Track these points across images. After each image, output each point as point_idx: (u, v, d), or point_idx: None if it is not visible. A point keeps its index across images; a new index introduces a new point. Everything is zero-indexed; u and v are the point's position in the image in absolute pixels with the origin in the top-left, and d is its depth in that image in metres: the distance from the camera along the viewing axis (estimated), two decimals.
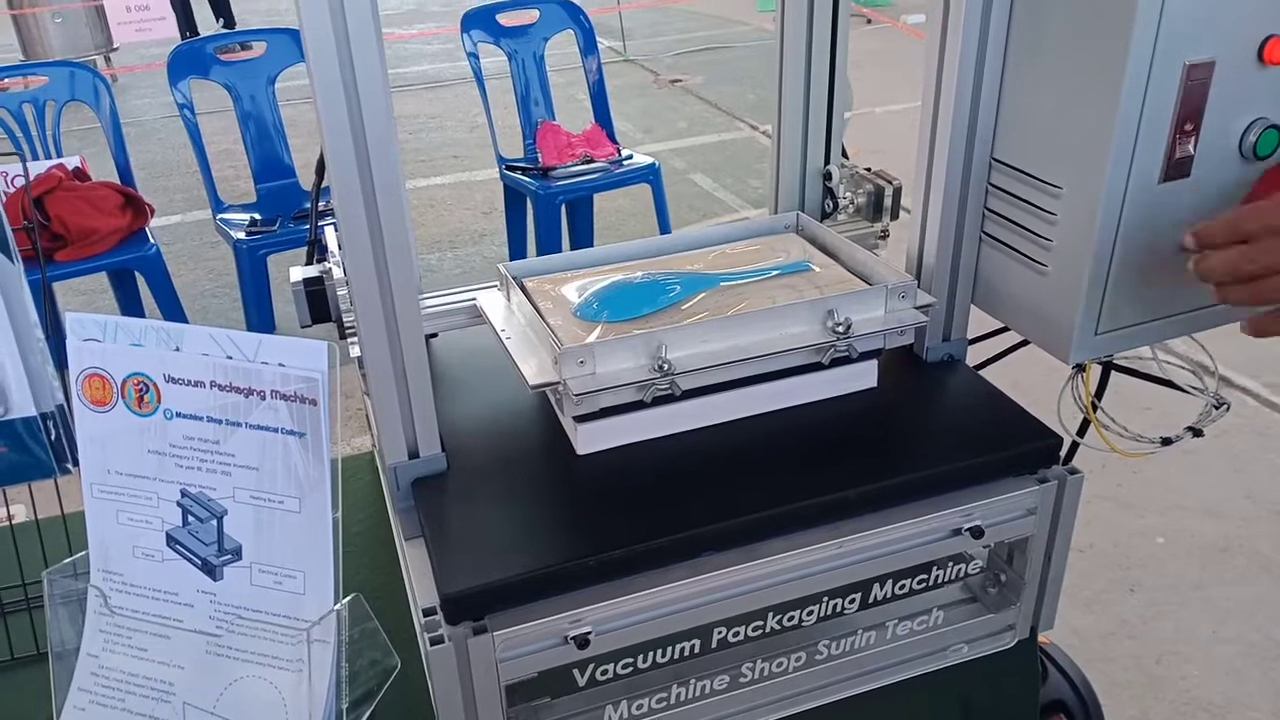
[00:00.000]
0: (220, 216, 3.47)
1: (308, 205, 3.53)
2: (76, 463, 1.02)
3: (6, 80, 3.52)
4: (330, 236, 1.13)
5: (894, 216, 1.28)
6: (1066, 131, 0.96)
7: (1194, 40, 0.91)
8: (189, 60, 3.49)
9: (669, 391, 0.96)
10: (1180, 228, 0.99)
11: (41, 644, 1.07)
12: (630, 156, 3.87)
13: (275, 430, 0.89)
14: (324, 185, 1.02)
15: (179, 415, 0.91)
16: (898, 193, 1.27)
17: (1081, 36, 0.93)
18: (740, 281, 1.11)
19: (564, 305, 1.07)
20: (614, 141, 3.94)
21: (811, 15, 1.23)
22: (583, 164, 3.76)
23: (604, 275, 1.13)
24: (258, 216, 3.42)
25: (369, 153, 0.83)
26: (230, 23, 8.13)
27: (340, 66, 0.80)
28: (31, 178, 3.06)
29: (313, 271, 1.07)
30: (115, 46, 7.46)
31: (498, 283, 1.13)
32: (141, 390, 0.92)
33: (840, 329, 1.00)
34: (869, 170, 1.30)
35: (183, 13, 7.49)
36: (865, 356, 1.05)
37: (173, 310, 3.19)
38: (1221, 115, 0.95)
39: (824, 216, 1.33)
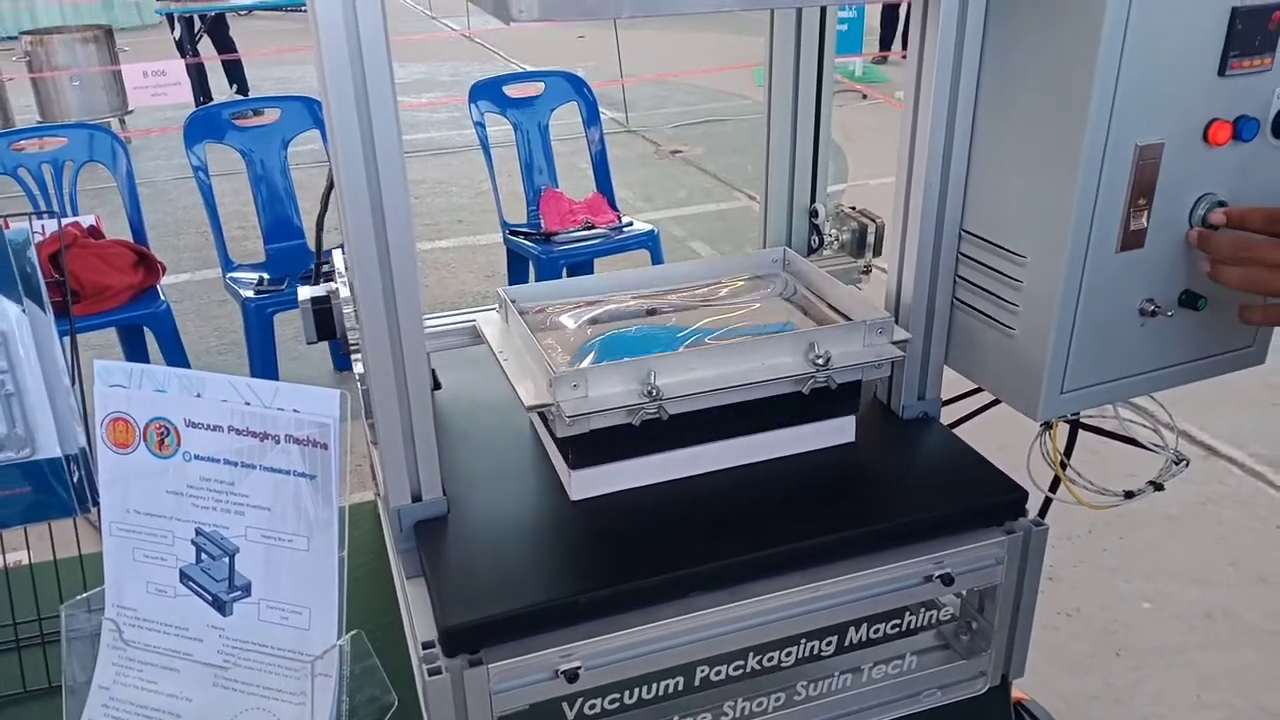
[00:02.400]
0: (230, 275, 3.56)
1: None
2: (96, 503, 1.08)
3: (23, 141, 3.64)
4: (337, 257, 1.19)
5: (876, 253, 1.35)
6: (1030, 205, 1.04)
7: (1144, 124, 0.99)
8: (205, 125, 3.61)
9: (657, 415, 1.00)
10: (1138, 294, 1.07)
11: (54, 677, 1.11)
12: (630, 223, 3.98)
13: (287, 472, 0.95)
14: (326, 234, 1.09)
15: (197, 458, 0.97)
16: (880, 230, 1.34)
17: (1042, 120, 1.01)
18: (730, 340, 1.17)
19: (560, 331, 1.13)
20: (615, 209, 4.05)
21: (798, 54, 1.31)
22: (584, 230, 3.87)
23: (598, 303, 1.20)
24: (266, 276, 3.51)
25: (385, 213, 0.90)
26: (244, 89, 8.33)
27: (360, 134, 0.87)
28: (47, 235, 3.14)
29: (319, 291, 1.12)
30: (130, 109, 7.64)
31: (496, 305, 1.20)
32: (163, 434, 0.98)
33: (820, 361, 1.05)
34: (853, 209, 1.37)
35: (197, 79, 7.70)
36: (844, 404, 1.11)
37: (180, 366, 3.26)
38: (1172, 191, 1.03)
39: (810, 252, 1.40)
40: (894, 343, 1.09)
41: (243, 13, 9.26)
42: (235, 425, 0.96)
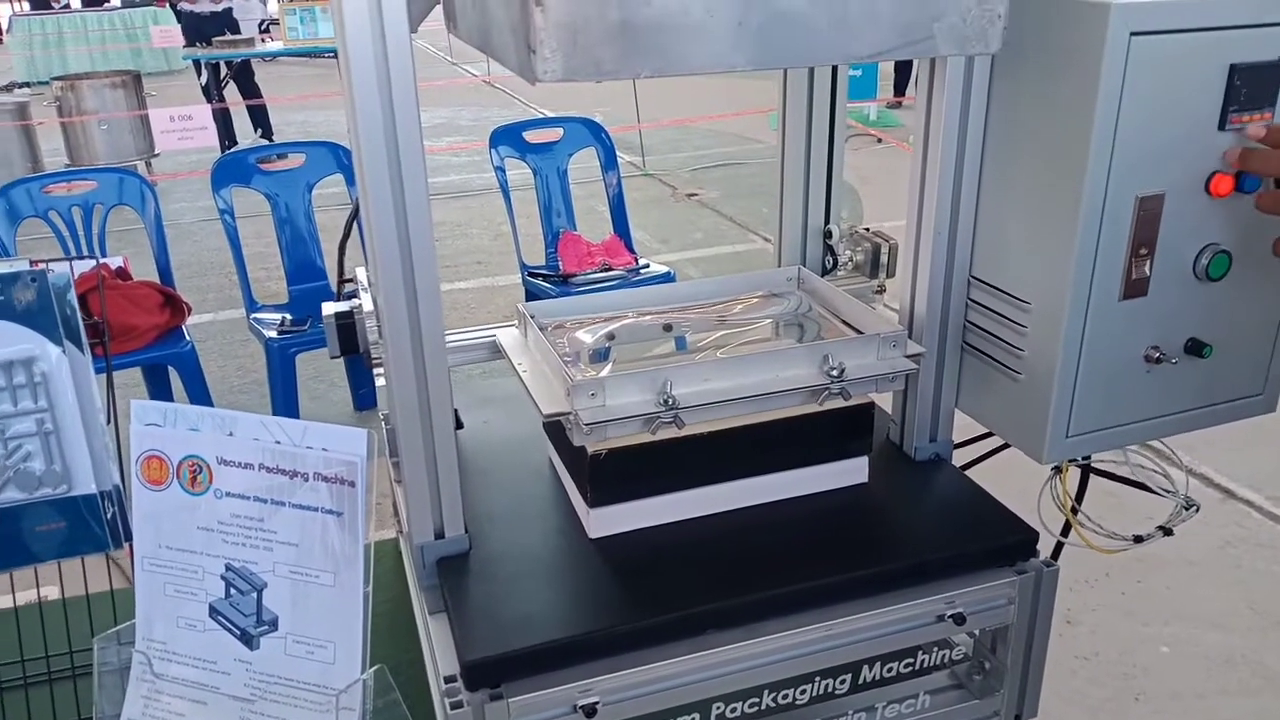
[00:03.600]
0: (254, 316, 3.62)
1: None
2: (129, 539, 1.11)
3: (53, 185, 3.73)
4: (360, 274, 1.22)
5: (890, 274, 1.37)
6: (1033, 253, 1.07)
7: (1145, 175, 1.02)
8: (232, 169, 3.69)
9: (673, 424, 1.01)
10: (1142, 341, 1.09)
11: (84, 710, 1.14)
12: (647, 265, 4.03)
13: (315, 509, 0.98)
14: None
15: (228, 495, 1.00)
16: (893, 251, 1.36)
17: (1044, 171, 1.05)
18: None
19: (577, 345, 1.16)
20: (631, 251, 4.10)
21: (811, 98, 1.35)
22: (601, 271, 3.92)
23: (616, 318, 1.24)
24: (289, 316, 3.57)
25: (411, 248, 0.94)
26: (268, 133, 8.48)
27: (390, 181, 0.92)
28: (77, 275, 3.21)
29: (343, 307, 1.16)
30: (157, 153, 7.79)
31: (516, 321, 1.23)
32: (195, 471, 1.01)
33: (834, 372, 1.06)
34: (866, 230, 1.40)
35: (223, 123, 7.84)
36: (857, 444, 1.13)
37: (203, 404, 3.31)
38: (1174, 241, 1.06)
39: (825, 273, 1.42)
40: (908, 356, 1.10)
41: (267, 59, 9.46)
42: (265, 463, 0.99)
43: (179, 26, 8.87)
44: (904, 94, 9.54)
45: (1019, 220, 1.09)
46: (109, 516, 1.13)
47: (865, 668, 1.05)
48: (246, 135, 8.42)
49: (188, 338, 3.36)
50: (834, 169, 1.40)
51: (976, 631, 1.11)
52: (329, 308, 1.16)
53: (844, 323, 1.21)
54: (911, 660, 1.07)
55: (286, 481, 0.99)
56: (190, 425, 1.02)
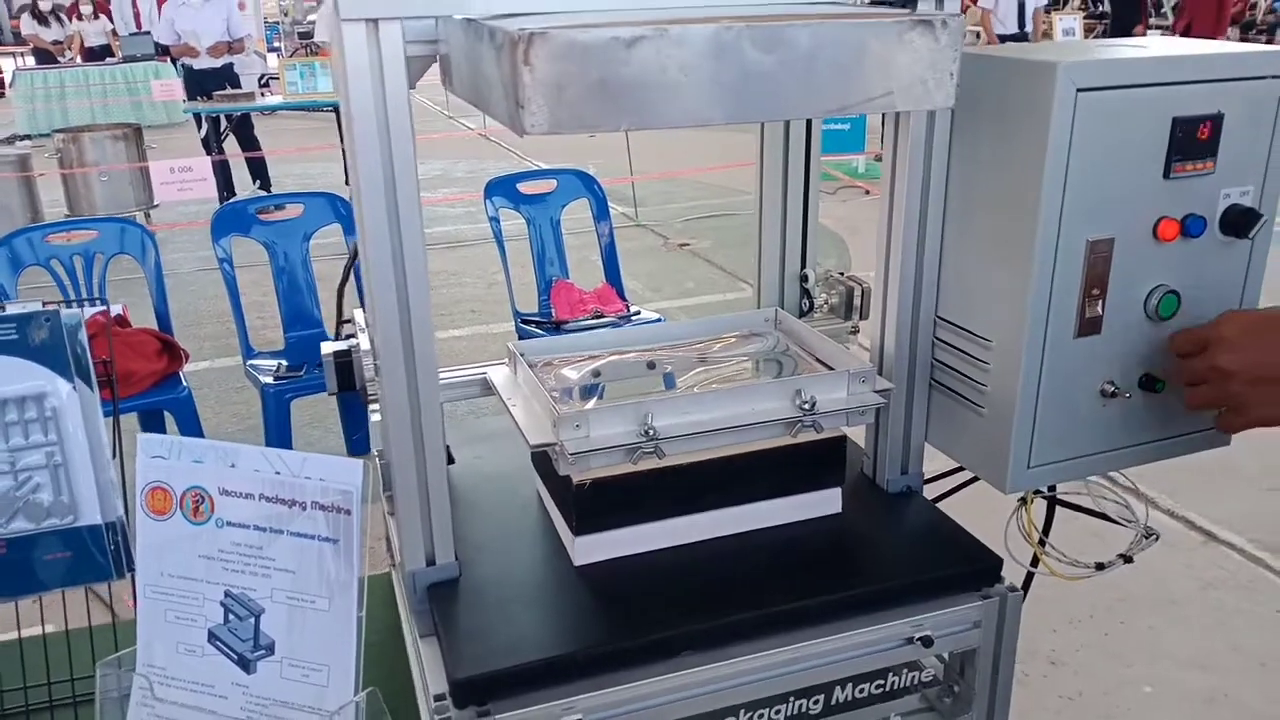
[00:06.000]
0: (250, 363, 3.67)
1: None
2: (131, 569, 1.15)
3: (54, 235, 3.80)
4: (358, 315, 1.28)
5: (864, 316, 1.44)
6: (993, 294, 1.14)
7: (1094, 220, 1.09)
8: (231, 219, 3.77)
9: (654, 454, 1.07)
10: (1098, 376, 1.15)
11: None
12: (638, 312, 4.10)
13: (313, 537, 1.03)
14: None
15: (229, 524, 1.05)
16: (866, 293, 1.43)
17: (1000, 216, 1.12)
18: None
19: (564, 381, 1.22)
20: (623, 299, 4.18)
21: (787, 144, 1.42)
22: (593, 319, 3.99)
23: (601, 356, 1.30)
24: (285, 363, 3.62)
25: (408, 290, 1.00)
26: (266, 185, 8.60)
27: (389, 227, 0.98)
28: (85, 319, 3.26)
29: (341, 346, 1.22)
30: (156, 204, 7.88)
31: (507, 359, 1.29)
32: (198, 501, 1.06)
33: (806, 406, 1.12)
34: (841, 274, 1.47)
35: (222, 175, 7.96)
36: (831, 475, 1.18)
37: None
38: (1125, 282, 1.13)
39: (801, 315, 1.49)
40: (876, 391, 1.17)
41: (267, 113, 9.61)
42: (265, 493, 1.04)
43: (180, 80, 9.03)
44: None
45: (980, 264, 1.16)
46: (113, 547, 1.18)
47: (838, 689, 1.09)
48: (245, 187, 8.53)
49: (184, 384, 3.41)
50: (810, 216, 1.47)
51: (946, 656, 1.16)
52: (327, 347, 1.22)
53: (818, 360, 1.27)
54: (883, 682, 1.12)
55: (285, 510, 1.04)
56: (194, 458, 1.07)
